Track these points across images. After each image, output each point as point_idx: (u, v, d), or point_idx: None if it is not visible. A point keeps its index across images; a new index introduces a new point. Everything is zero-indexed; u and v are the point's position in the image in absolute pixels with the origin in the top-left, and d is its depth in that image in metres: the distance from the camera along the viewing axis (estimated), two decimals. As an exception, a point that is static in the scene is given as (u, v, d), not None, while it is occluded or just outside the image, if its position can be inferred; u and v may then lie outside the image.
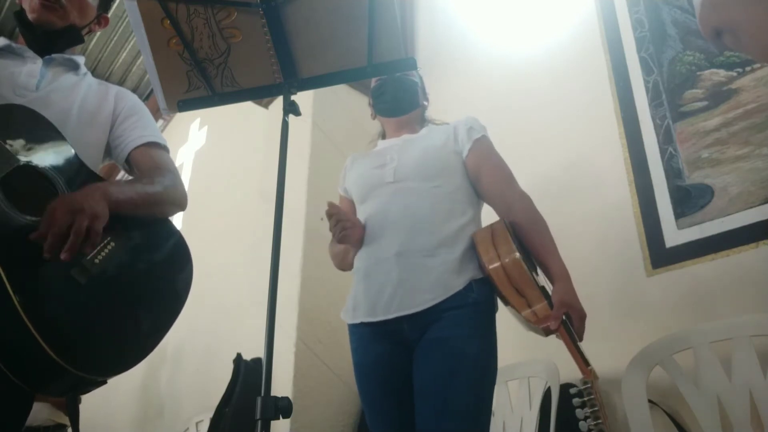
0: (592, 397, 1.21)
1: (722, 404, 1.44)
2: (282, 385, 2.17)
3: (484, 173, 1.51)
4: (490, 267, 1.33)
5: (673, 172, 1.88)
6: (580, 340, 1.30)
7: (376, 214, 1.48)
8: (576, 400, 1.21)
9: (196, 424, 2.74)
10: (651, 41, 2.08)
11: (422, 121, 1.71)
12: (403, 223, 1.41)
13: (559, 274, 1.35)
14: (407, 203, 1.44)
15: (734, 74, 1.82)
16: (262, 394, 0.94)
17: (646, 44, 2.09)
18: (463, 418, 1.24)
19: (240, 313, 2.69)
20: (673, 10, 2.04)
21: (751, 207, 1.66)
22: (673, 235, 1.82)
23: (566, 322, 1.27)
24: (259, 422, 0.92)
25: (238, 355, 2.43)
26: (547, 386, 1.67)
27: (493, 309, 1.39)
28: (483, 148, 1.53)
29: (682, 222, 1.81)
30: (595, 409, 1.20)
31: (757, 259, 1.61)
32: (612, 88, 2.14)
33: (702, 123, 1.85)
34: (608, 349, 1.78)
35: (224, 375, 2.42)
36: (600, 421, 1.19)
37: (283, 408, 0.94)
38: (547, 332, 1.28)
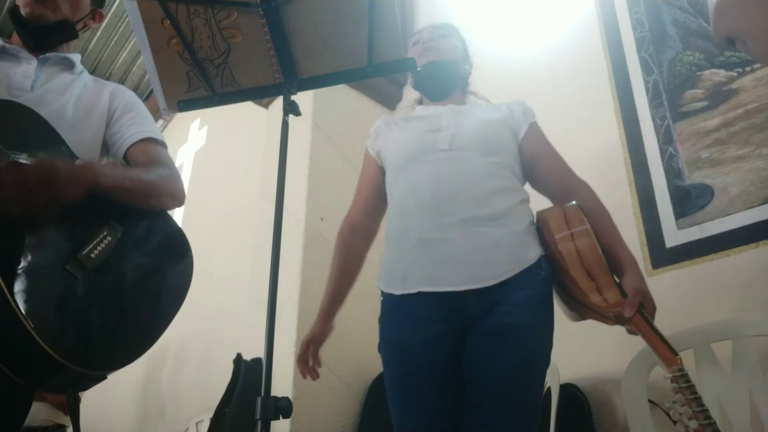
0: (692, 384, 1.12)
1: (722, 404, 1.44)
2: (282, 385, 2.16)
3: (543, 158, 1.46)
4: (563, 246, 1.25)
5: (673, 172, 1.88)
6: None
7: (426, 180, 1.37)
8: (674, 386, 1.13)
9: (196, 424, 2.73)
10: (651, 41, 2.08)
11: (464, 90, 1.65)
12: (463, 191, 1.32)
13: (630, 263, 1.28)
14: (465, 173, 1.35)
15: (734, 74, 1.82)
16: (262, 394, 0.94)
17: (646, 44, 2.09)
18: (534, 419, 1.20)
19: (240, 313, 2.69)
20: (673, 10, 2.04)
21: (751, 207, 1.66)
22: (673, 235, 1.82)
23: (642, 311, 1.18)
24: (259, 422, 0.92)
25: (238, 355, 2.43)
26: (547, 386, 1.67)
27: (553, 285, 1.31)
28: (539, 132, 1.50)
29: (682, 222, 1.81)
30: (698, 395, 1.11)
31: (757, 259, 1.61)
32: (612, 88, 2.14)
33: (702, 123, 1.85)
34: (608, 349, 1.78)
35: (224, 375, 2.41)
36: (706, 407, 1.11)
37: (283, 408, 0.94)
38: (618, 320, 1.19)
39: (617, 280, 1.26)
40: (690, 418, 1.08)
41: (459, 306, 1.25)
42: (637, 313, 1.17)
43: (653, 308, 1.23)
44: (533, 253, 1.28)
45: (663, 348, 1.15)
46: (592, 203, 1.39)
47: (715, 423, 1.08)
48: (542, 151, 1.47)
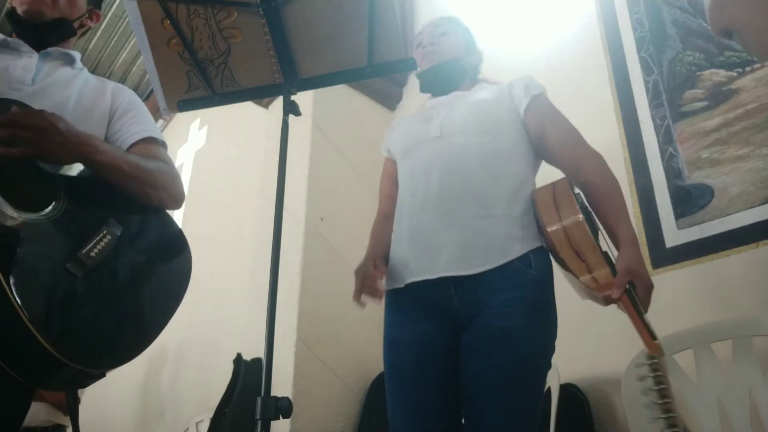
0: (659, 373, 1.10)
1: (722, 404, 1.44)
2: (282, 385, 2.17)
3: (549, 130, 1.40)
4: (551, 229, 1.23)
5: (673, 172, 1.88)
6: (645, 312, 1.19)
7: (419, 171, 1.37)
8: (638, 371, 1.12)
9: (197, 424, 2.73)
10: (651, 41, 2.08)
11: (473, 80, 1.61)
12: (451, 182, 1.31)
13: (626, 240, 1.23)
14: (455, 159, 1.33)
15: (734, 74, 1.82)
16: (262, 394, 0.94)
17: (646, 44, 2.09)
18: (529, 426, 1.17)
19: (240, 313, 2.69)
20: (673, 10, 2.04)
21: (751, 207, 1.66)
22: (673, 235, 1.82)
23: (630, 291, 1.16)
24: (259, 422, 0.92)
25: (238, 355, 2.43)
26: (547, 386, 1.67)
27: (552, 283, 1.28)
28: (544, 104, 1.44)
29: (682, 222, 1.81)
30: (663, 387, 1.09)
31: (757, 259, 1.61)
32: (612, 88, 2.14)
33: (702, 123, 1.85)
34: (608, 349, 1.78)
35: (224, 375, 2.42)
36: (668, 400, 1.08)
37: (283, 408, 0.94)
38: (607, 301, 1.17)
39: (613, 257, 1.24)
40: (655, 404, 1.09)
41: (445, 302, 1.25)
42: (625, 293, 1.15)
43: (648, 286, 1.19)
44: (517, 246, 1.24)
45: (644, 331, 1.15)
46: (596, 177, 1.34)
47: (674, 417, 1.08)
48: (548, 124, 1.41)
